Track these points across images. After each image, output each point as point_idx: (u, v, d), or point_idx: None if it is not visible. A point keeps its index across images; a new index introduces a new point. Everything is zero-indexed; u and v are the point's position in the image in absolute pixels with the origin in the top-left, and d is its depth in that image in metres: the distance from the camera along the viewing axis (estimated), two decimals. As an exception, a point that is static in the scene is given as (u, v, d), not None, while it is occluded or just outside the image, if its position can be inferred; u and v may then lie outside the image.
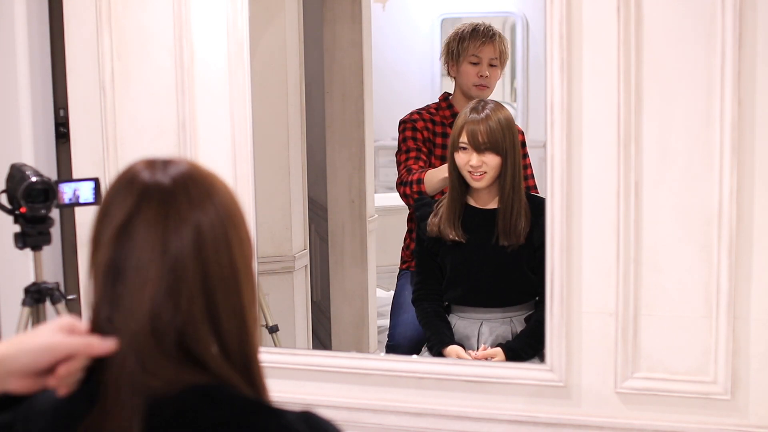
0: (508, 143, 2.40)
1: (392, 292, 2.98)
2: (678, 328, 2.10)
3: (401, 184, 2.79)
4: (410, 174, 2.78)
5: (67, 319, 1.03)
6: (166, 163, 1.05)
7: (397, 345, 2.75)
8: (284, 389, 2.38)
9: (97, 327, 1.02)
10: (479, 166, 2.39)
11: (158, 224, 1.00)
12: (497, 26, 2.98)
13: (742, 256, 2.03)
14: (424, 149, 2.85)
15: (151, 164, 1.05)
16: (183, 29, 2.37)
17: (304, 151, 3.18)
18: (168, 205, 1.01)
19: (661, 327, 2.11)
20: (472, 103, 2.48)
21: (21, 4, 2.57)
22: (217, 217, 1.03)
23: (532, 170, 2.83)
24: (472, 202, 2.50)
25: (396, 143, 2.94)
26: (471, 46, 2.87)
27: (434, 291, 2.55)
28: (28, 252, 2.13)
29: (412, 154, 2.84)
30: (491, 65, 2.88)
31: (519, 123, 4.79)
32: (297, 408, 1.04)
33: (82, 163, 2.53)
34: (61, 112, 2.72)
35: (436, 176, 2.69)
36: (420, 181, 2.72)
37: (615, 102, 2.05)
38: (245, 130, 2.37)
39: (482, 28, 2.90)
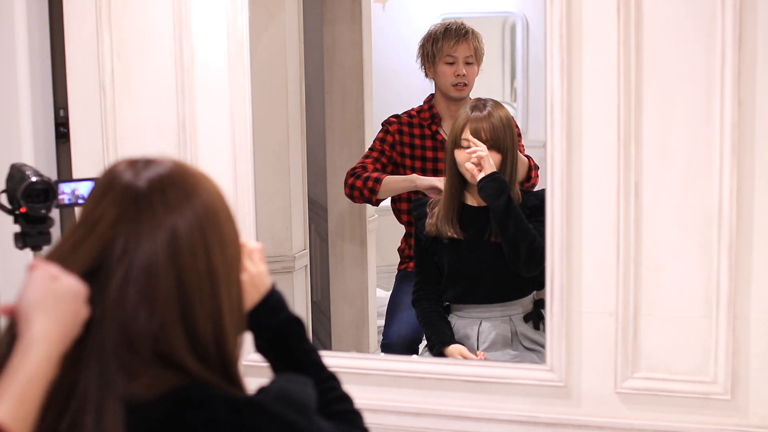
0: (508, 141, 2.42)
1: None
2: (678, 328, 2.10)
3: (351, 175, 2.81)
4: (365, 171, 2.80)
5: None
6: (147, 164, 1.04)
7: (391, 343, 2.76)
8: (284, 389, 2.38)
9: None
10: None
11: (132, 229, 1.00)
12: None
13: (742, 256, 2.03)
14: (387, 155, 2.86)
15: (132, 165, 1.04)
16: (183, 29, 2.37)
17: (304, 151, 3.18)
18: (142, 210, 1.00)
19: (661, 327, 2.11)
20: (472, 102, 2.50)
21: (21, 4, 2.57)
22: (196, 220, 1.02)
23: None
24: (468, 201, 2.51)
25: None
26: (445, 46, 2.85)
27: (434, 291, 2.56)
28: (28, 252, 2.13)
29: (375, 154, 2.86)
30: (467, 63, 2.86)
31: (519, 123, 4.80)
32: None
33: (82, 163, 2.53)
34: (61, 112, 2.72)
35: (393, 183, 2.74)
36: (378, 180, 2.75)
37: (615, 102, 2.05)
38: (245, 130, 2.37)
39: (454, 27, 2.87)
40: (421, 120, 2.90)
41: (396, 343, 2.75)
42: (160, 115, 2.44)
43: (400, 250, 3.00)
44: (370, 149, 2.91)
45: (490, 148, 2.40)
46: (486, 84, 4.92)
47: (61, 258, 1.01)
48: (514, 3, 4.74)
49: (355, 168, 2.84)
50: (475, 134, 2.40)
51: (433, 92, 2.94)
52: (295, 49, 3.11)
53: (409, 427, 2.30)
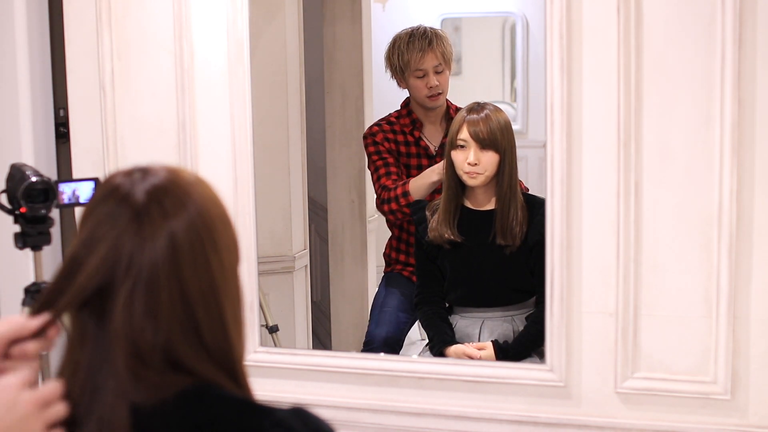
0: (506, 143, 2.42)
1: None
2: (678, 328, 2.10)
3: (383, 203, 2.74)
4: (388, 191, 2.72)
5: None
6: (143, 174, 1.05)
7: (373, 344, 2.74)
8: (284, 389, 2.38)
9: (84, 339, 1.01)
10: (476, 164, 2.40)
11: (135, 243, 1.00)
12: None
13: (742, 256, 2.03)
14: (391, 159, 2.80)
15: (129, 176, 1.05)
16: (183, 29, 2.37)
17: (304, 151, 3.18)
18: (143, 222, 1.01)
19: (661, 327, 2.11)
20: (470, 105, 2.49)
21: (21, 4, 2.57)
22: (190, 224, 1.02)
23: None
24: (468, 204, 2.51)
25: None
26: (412, 60, 2.75)
27: (435, 294, 2.56)
28: (28, 252, 2.13)
29: (382, 171, 2.78)
30: (437, 72, 2.77)
31: (519, 123, 4.81)
32: (286, 406, 1.04)
33: (82, 163, 2.53)
34: (61, 112, 2.72)
35: (421, 184, 2.66)
36: (406, 194, 2.67)
37: (615, 102, 2.05)
38: (245, 130, 2.37)
39: (418, 37, 2.77)
40: (402, 126, 2.85)
41: (377, 344, 2.73)
42: (160, 115, 2.44)
43: (386, 255, 2.98)
44: (374, 170, 2.81)
45: (487, 148, 2.40)
46: (486, 84, 4.94)
47: (65, 283, 1.01)
48: (514, 3, 4.74)
49: (379, 196, 2.77)
50: (474, 133, 2.40)
51: (408, 97, 2.88)
52: (295, 49, 3.11)
53: (409, 427, 2.31)
